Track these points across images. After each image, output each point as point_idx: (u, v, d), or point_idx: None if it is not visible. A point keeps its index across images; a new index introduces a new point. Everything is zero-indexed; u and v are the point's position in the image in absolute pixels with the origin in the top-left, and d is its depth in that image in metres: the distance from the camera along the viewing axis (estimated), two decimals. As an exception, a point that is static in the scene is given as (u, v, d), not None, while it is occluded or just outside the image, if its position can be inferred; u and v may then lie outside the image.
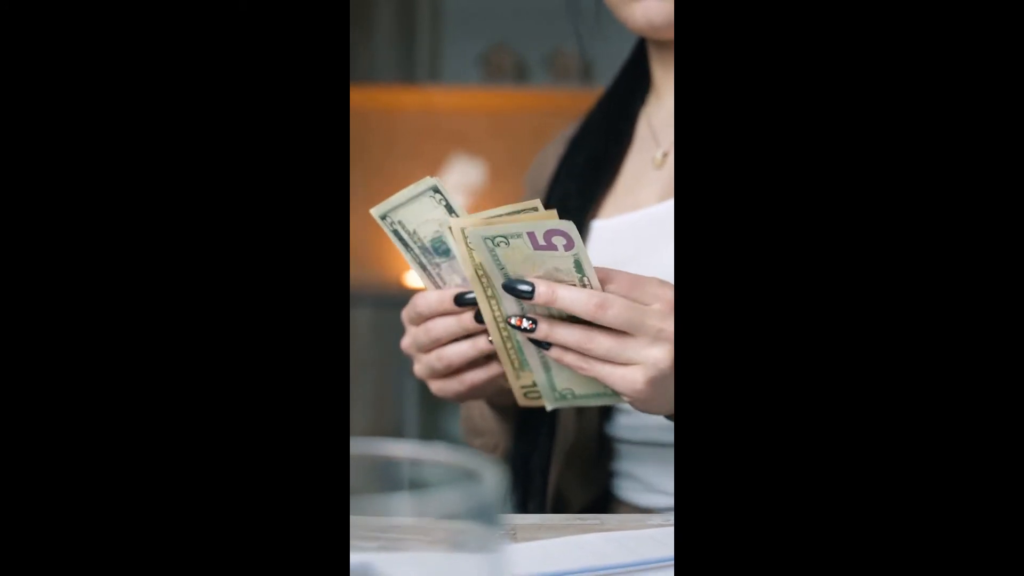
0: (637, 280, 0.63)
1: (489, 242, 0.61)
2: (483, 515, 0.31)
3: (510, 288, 0.63)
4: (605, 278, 0.62)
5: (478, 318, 0.67)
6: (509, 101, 2.70)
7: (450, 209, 0.63)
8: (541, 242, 0.60)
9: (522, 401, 0.72)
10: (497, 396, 0.87)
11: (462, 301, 0.67)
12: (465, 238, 0.62)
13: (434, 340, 0.70)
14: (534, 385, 0.71)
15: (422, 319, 0.70)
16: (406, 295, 0.72)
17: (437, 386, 0.74)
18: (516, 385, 0.71)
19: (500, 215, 0.61)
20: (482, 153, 2.68)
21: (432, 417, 2.68)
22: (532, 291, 0.62)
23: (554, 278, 0.62)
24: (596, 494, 0.88)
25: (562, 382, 0.69)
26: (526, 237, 0.60)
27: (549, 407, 0.71)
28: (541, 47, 2.69)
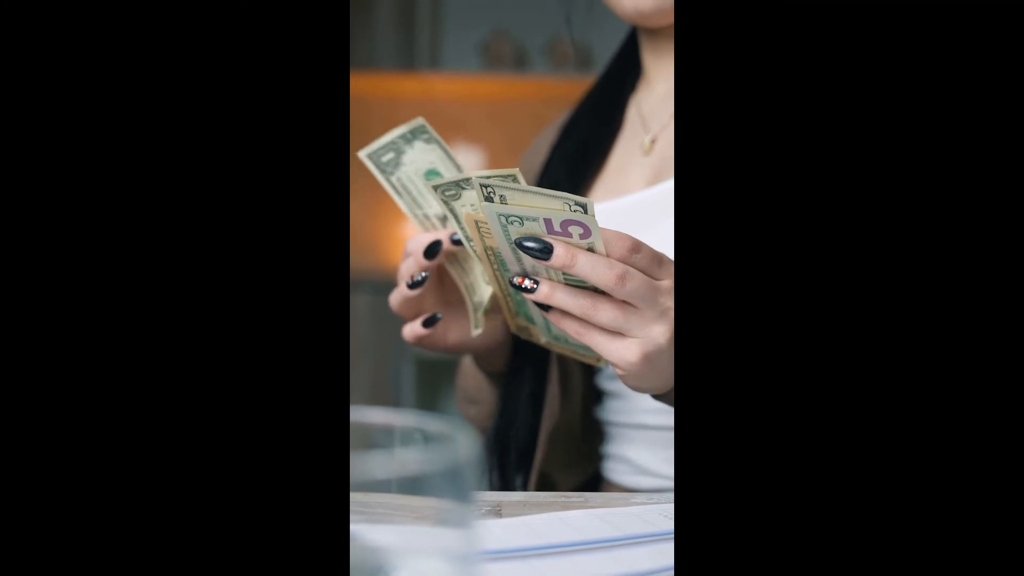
0: (658, 256, 0.62)
1: (503, 218, 0.59)
2: (454, 477, 0.32)
3: (524, 246, 0.60)
4: (634, 246, 0.61)
5: (429, 253, 0.71)
6: (508, 89, 2.71)
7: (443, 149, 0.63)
8: (556, 229, 0.59)
9: (513, 330, 0.75)
10: (488, 362, 0.88)
11: (431, 252, 0.71)
12: (476, 226, 0.62)
13: (400, 277, 0.73)
14: (527, 327, 0.73)
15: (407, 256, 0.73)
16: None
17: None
18: (511, 321, 0.74)
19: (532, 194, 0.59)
20: (481, 140, 2.68)
21: (430, 401, 2.70)
22: (549, 251, 0.59)
23: None
24: (587, 476, 0.89)
25: (558, 328, 0.69)
26: (542, 222, 0.59)
27: (543, 340, 0.73)
28: (540, 35, 2.69)
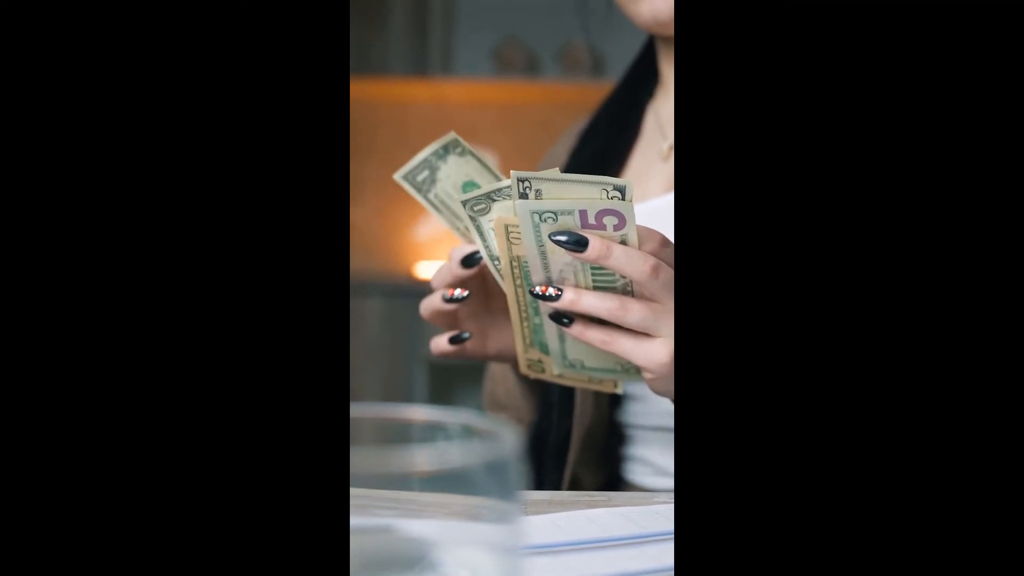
0: None
1: (536, 216, 0.59)
2: (498, 472, 0.33)
3: (558, 240, 0.60)
4: (664, 241, 0.61)
5: (467, 262, 0.69)
6: (520, 94, 2.72)
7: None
8: (591, 221, 0.59)
9: (524, 370, 0.74)
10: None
11: (470, 262, 0.70)
12: (506, 231, 0.61)
13: (434, 285, 0.73)
14: (540, 360, 0.73)
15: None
16: (415, 285, 0.75)
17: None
18: (522, 357, 0.73)
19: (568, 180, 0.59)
20: (492, 146, 2.69)
21: (442, 404, 2.70)
22: (584, 244, 0.59)
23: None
24: (607, 477, 0.90)
25: (574, 353, 0.70)
26: (577, 215, 0.59)
27: (556, 371, 0.72)
28: (552, 41, 2.70)
